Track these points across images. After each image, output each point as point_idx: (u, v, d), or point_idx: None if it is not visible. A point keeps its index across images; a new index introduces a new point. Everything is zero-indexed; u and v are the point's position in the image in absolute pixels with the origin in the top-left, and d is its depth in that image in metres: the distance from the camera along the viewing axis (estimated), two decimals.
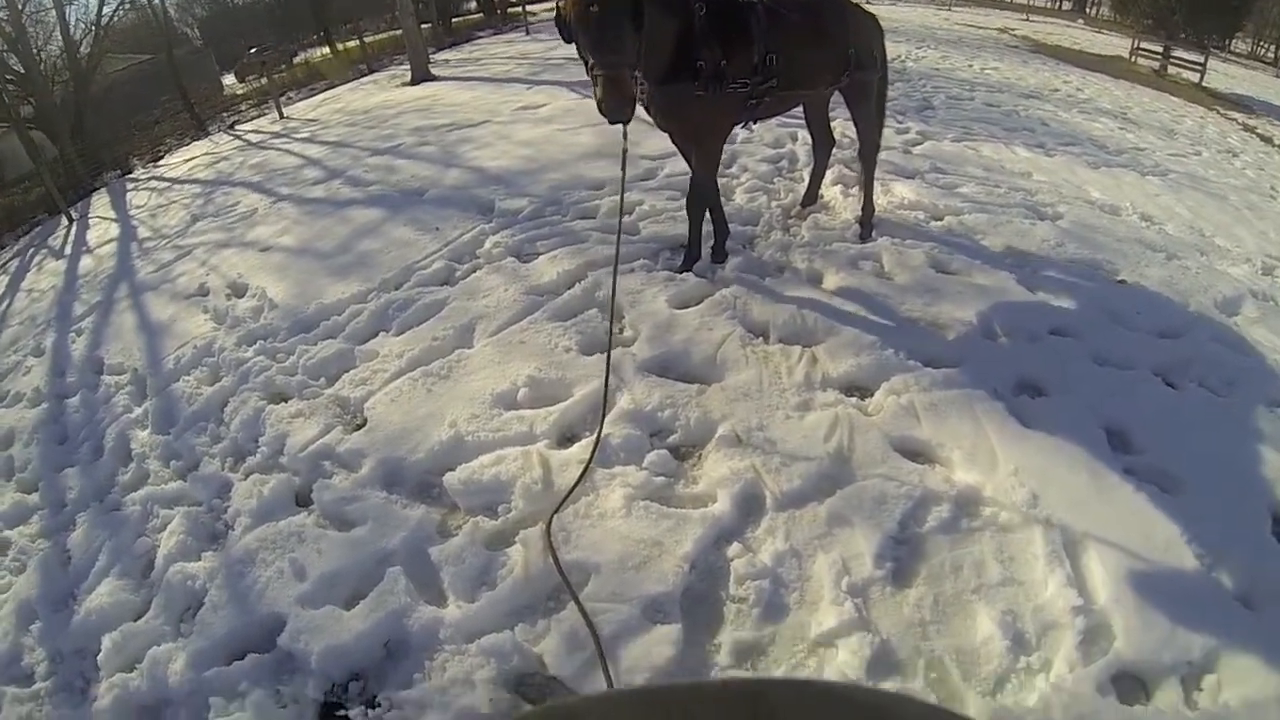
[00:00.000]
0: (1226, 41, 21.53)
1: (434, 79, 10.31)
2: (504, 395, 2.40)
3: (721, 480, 1.98)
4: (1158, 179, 5.23)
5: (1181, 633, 1.55)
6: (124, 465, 2.77)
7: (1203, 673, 1.51)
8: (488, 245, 3.60)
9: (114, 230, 6.73)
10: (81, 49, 13.64)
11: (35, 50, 13.92)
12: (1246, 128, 10.31)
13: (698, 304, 2.83)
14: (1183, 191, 5.03)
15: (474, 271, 3.39)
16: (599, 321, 2.78)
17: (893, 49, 10.25)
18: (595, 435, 2.12)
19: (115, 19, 14.98)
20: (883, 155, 4.46)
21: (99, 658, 1.89)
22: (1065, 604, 1.62)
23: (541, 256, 3.39)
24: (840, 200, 3.75)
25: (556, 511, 1.90)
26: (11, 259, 8.06)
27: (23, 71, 12.11)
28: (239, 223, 5.18)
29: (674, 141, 3.05)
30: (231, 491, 2.37)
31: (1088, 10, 27.04)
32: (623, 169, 2.46)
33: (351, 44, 17.95)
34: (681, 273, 3.05)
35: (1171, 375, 2.48)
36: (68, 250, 6.85)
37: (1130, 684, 1.51)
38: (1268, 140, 9.54)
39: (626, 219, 3.69)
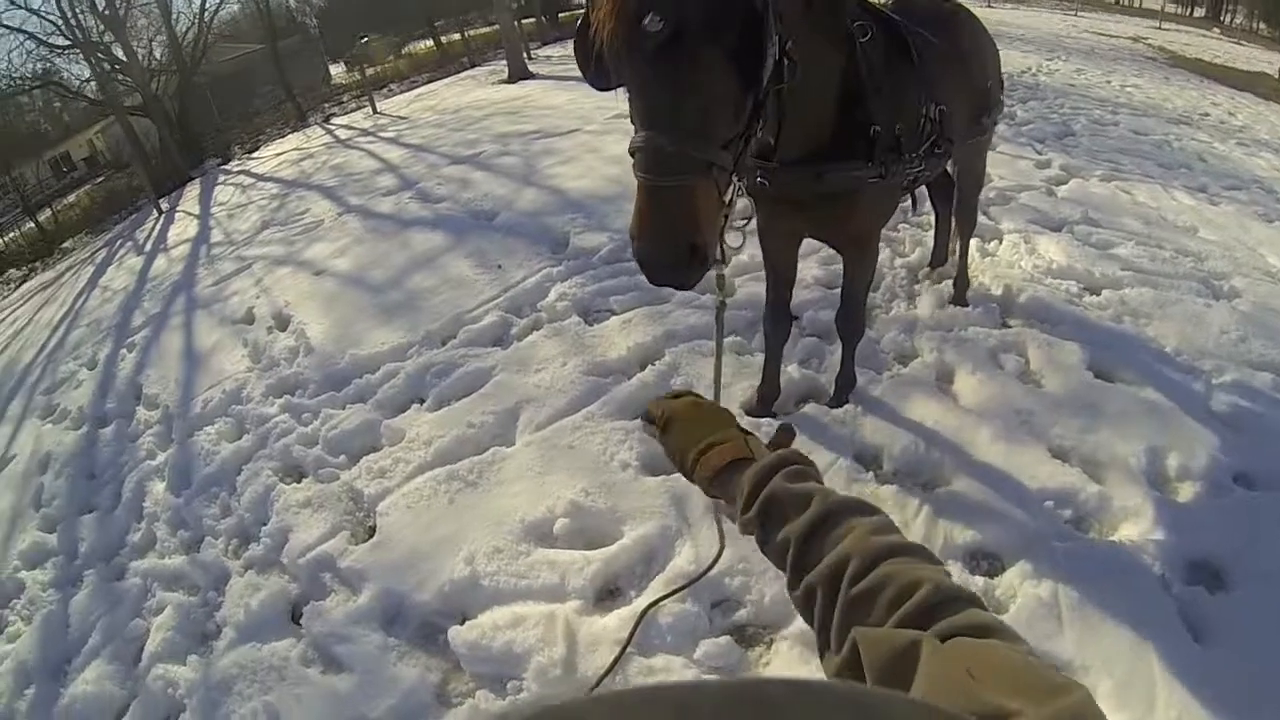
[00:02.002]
0: None
1: (531, 77, 9.98)
2: (537, 525, 1.95)
3: None
4: None
5: None
6: (136, 522, 2.64)
7: None
8: (551, 297, 3.15)
9: (192, 229, 6.81)
10: (186, 39, 14.25)
11: (148, 40, 14.67)
12: None
13: (800, 405, 2.28)
14: None
15: (532, 330, 2.93)
16: None
17: (1023, 60, 9.37)
18: (639, 616, 1.54)
19: (221, 9, 15.61)
20: (1025, 198, 3.82)
21: None
22: None
23: (613, 319, 2.88)
24: (976, 260, 3.09)
25: None
26: (101, 248, 8.39)
27: (124, 60, 12.66)
28: (302, 235, 5.05)
29: (778, 256, 2.01)
30: (228, 586, 2.14)
31: (1222, 18, 24.28)
32: (718, 354, 1.22)
33: (455, 37, 18.13)
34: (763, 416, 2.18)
35: None
36: (148, 247, 7.01)
37: None
38: None
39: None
